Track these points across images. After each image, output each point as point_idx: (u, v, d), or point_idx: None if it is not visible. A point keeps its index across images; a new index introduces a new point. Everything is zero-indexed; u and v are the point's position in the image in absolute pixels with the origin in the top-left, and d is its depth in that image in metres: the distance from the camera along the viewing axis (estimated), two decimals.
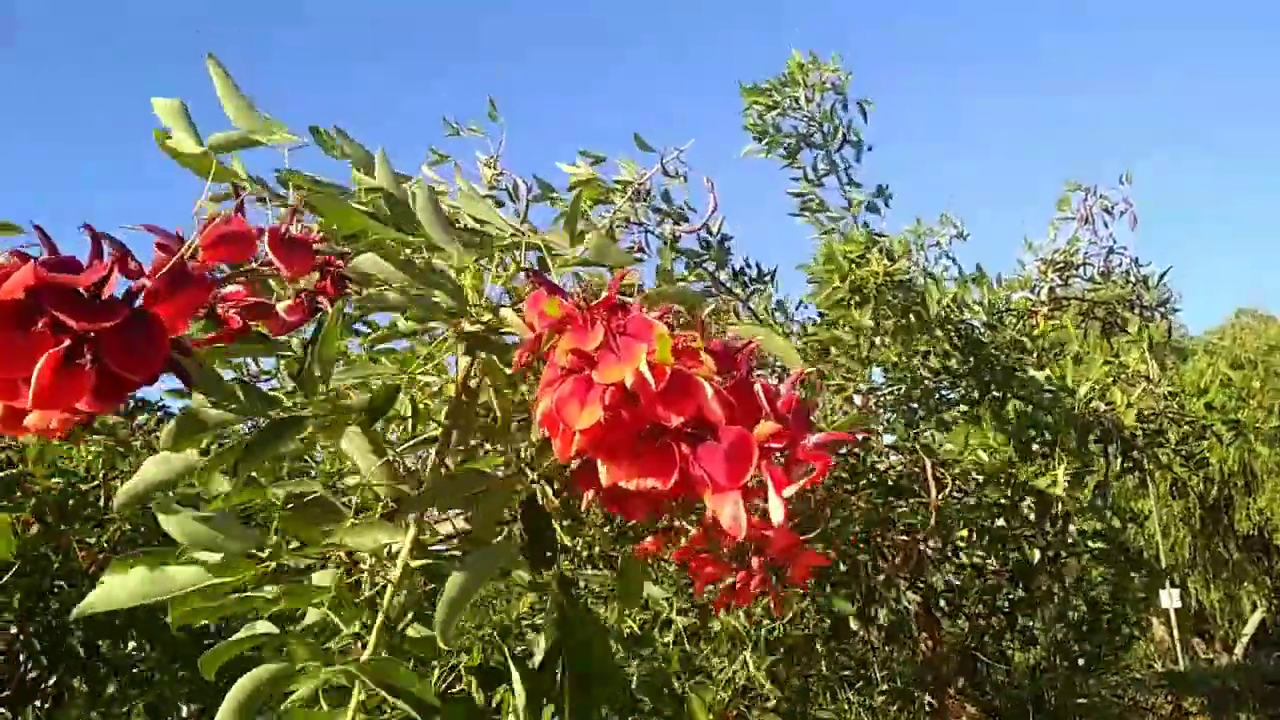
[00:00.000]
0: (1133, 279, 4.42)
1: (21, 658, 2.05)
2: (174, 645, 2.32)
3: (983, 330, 4.02)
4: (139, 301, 0.78)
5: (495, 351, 1.17)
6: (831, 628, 3.32)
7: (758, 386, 0.90)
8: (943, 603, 4.25)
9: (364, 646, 1.00)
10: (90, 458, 2.50)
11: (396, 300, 1.06)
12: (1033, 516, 3.60)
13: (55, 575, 2.33)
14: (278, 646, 1.02)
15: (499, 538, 1.18)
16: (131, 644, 2.40)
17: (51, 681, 2.28)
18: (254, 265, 0.94)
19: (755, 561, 1.08)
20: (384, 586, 1.03)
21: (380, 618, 1.00)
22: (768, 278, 3.65)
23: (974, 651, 4.33)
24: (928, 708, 4.37)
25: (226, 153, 1.08)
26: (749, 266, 3.86)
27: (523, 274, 1.18)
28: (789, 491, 0.85)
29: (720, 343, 0.98)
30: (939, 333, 3.39)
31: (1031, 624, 4.22)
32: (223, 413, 0.99)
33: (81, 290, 0.75)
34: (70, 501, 2.38)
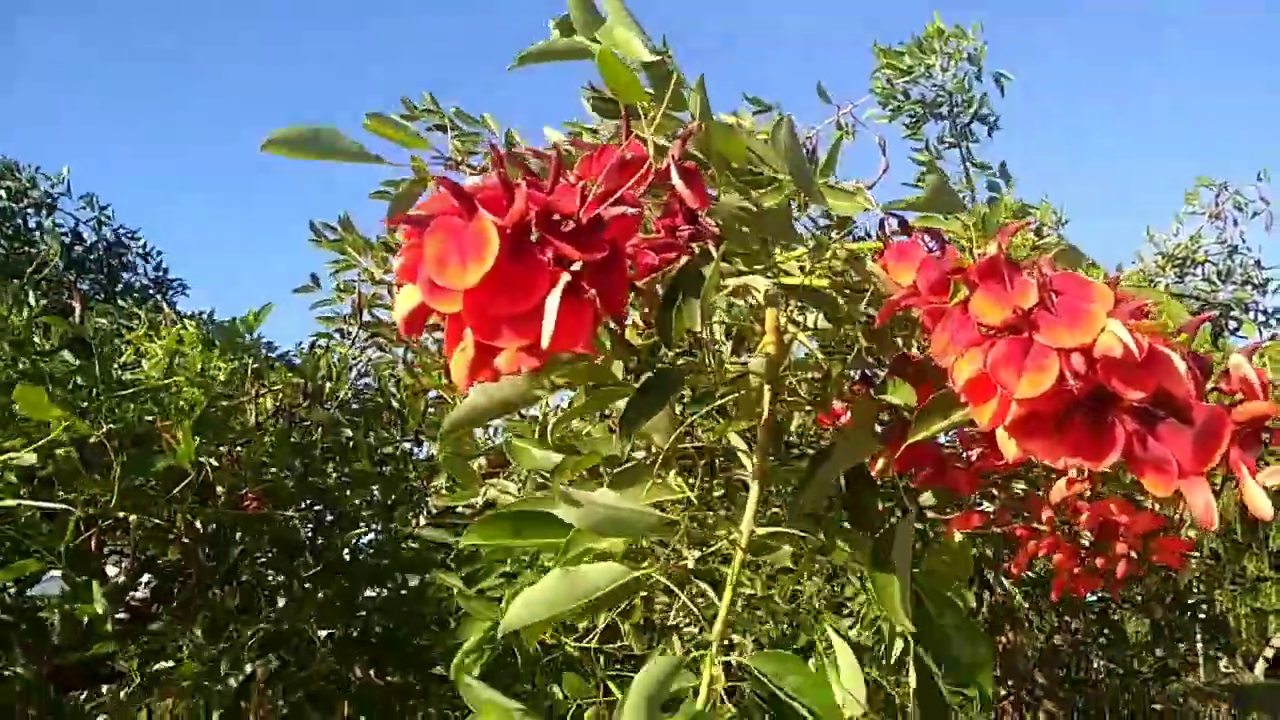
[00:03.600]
0: (1254, 281, 4.28)
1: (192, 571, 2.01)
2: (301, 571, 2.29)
3: None
4: (604, 230, 0.70)
5: (822, 305, 1.08)
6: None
7: (1237, 359, 0.80)
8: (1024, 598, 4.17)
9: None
10: (227, 370, 2.43)
11: (752, 244, 0.97)
12: None
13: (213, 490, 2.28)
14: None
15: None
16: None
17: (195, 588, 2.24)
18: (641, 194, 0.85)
19: (1121, 546, 0.99)
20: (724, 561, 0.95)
21: (728, 593, 0.92)
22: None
23: (1056, 648, 4.25)
24: (1008, 702, 4.31)
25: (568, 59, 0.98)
26: (867, 236, 3.74)
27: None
28: (1272, 481, 0.76)
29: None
30: None
31: (1121, 624, 4.14)
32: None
33: (564, 216, 0.67)
34: (213, 414, 2.32)
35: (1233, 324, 4.58)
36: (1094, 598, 4.28)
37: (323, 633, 2.32)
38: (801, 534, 0.97)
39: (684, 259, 0.94)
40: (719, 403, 1.13)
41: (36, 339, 2.31)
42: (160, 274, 5.69)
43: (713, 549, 0.96)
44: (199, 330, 2.71)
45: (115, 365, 2.37)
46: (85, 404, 1.92)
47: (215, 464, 2.44)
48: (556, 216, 0.68)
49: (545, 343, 0.63)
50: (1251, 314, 4.37)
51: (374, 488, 2.31)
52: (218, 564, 1.99)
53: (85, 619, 1.45)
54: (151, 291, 5.53)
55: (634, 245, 0.85)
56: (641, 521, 0.82)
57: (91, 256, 5.43)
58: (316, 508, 2.29)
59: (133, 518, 1.68)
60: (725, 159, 0.94)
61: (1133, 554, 1.00)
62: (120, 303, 4.65)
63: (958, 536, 1.06)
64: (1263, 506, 0.75)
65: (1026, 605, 4.12)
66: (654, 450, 1.15)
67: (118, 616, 2.11)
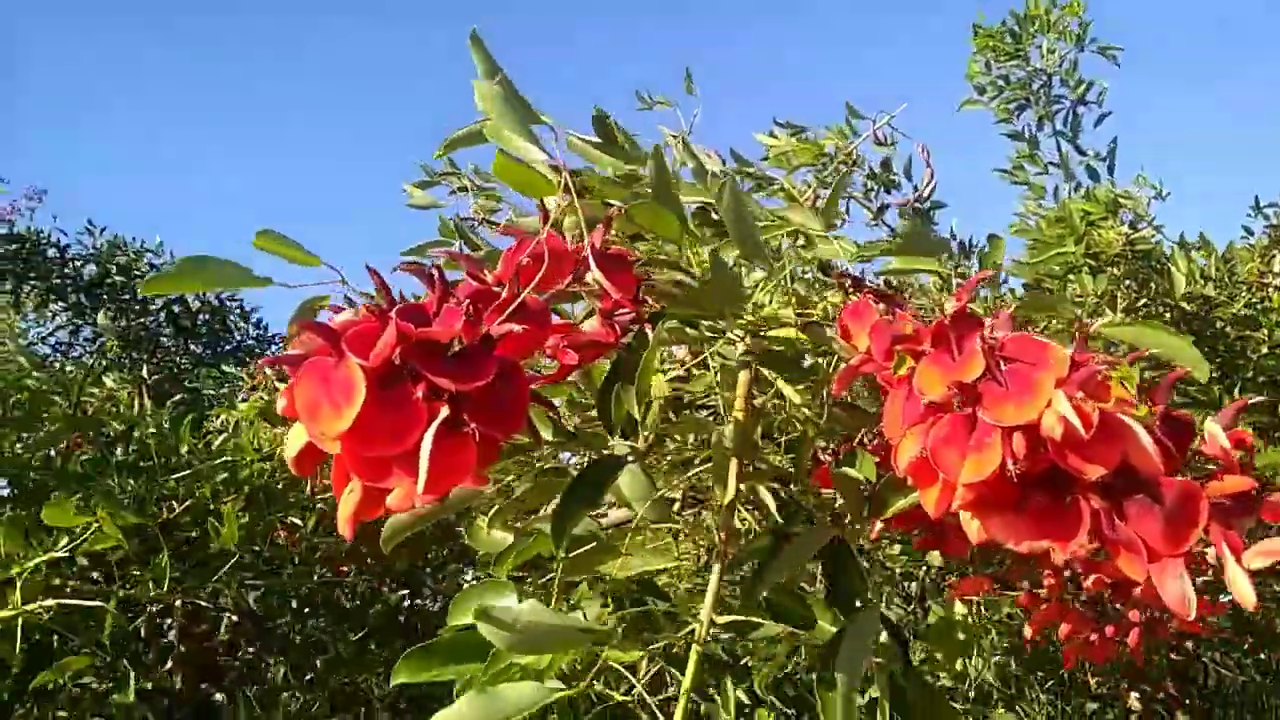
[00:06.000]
0: None
1: (241, 642, 2.09)
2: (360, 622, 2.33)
3: (1201, 304, 3.61)
4: (494, 348, 0.67)
5: (787, 369, 1.03)
6: None
7: (1212, 428, 0.71)
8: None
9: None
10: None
11: (698, 315, 0.93)
12: None
13: (263, 560, 2.36)
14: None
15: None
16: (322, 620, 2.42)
17: (250, 659, 2.32)
18: (565, 287, 0.82)
19: (1134, 614, 0.90)
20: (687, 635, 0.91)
21: (688, 682, 0.87)
22: (974, 251, 3.35)
23: (1194, 653, 3.94)
24: (1134, 715, 4.03)
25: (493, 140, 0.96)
26: (952, 238, 3.53)
27: (825, 276, 1.02)
28: (1258, 563, 0.66)
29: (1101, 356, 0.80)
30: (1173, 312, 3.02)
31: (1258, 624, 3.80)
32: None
33: (443, 344, 0.64)
34: (279, 485, 2.39)
35: None
36: (1227, 596, 3.96)
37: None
38: (766, 620, 0.91)
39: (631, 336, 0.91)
40: (695, 472, 1.09)
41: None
42: (261, 331, 5.99)
43: (677, 637, 0.92)
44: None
45: (190, 440, 2.48)
46: (153, 489, 2.01)
47: (293, 525, 2.53)
48: (439, 344, 0.66)
49: (420, 487, 0.61)
50: None
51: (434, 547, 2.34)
52: (268, 635, 2.05)
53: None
54: (257, 351, 5.83)
55: (553, 345, 0.82)
56: (566, 636, 0.78)
57: (200, 319, 5.77)
58: (377, 571, 2.34)
59: (176, 603, 1.75)
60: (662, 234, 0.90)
61: (1147, 620, 0.90)
62: (224, 366, 4.89)
63: (959, 607, 0.98)
64: (1245, 595, 0.66)
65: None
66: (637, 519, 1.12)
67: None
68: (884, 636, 0.99)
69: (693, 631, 0.88)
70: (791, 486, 1.00)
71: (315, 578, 2.33)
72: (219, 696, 2.00)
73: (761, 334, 1.06)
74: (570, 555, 0.98)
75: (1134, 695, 4.18)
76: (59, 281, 4.63)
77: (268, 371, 2.16)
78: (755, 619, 0.90)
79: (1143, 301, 2.99)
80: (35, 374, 2.35)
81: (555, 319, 0.87)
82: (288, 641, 2.12)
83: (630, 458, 0.93)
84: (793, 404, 1.07)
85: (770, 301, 1.15)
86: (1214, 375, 3.60)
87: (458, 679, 0.85)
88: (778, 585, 0.98)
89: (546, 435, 0.89)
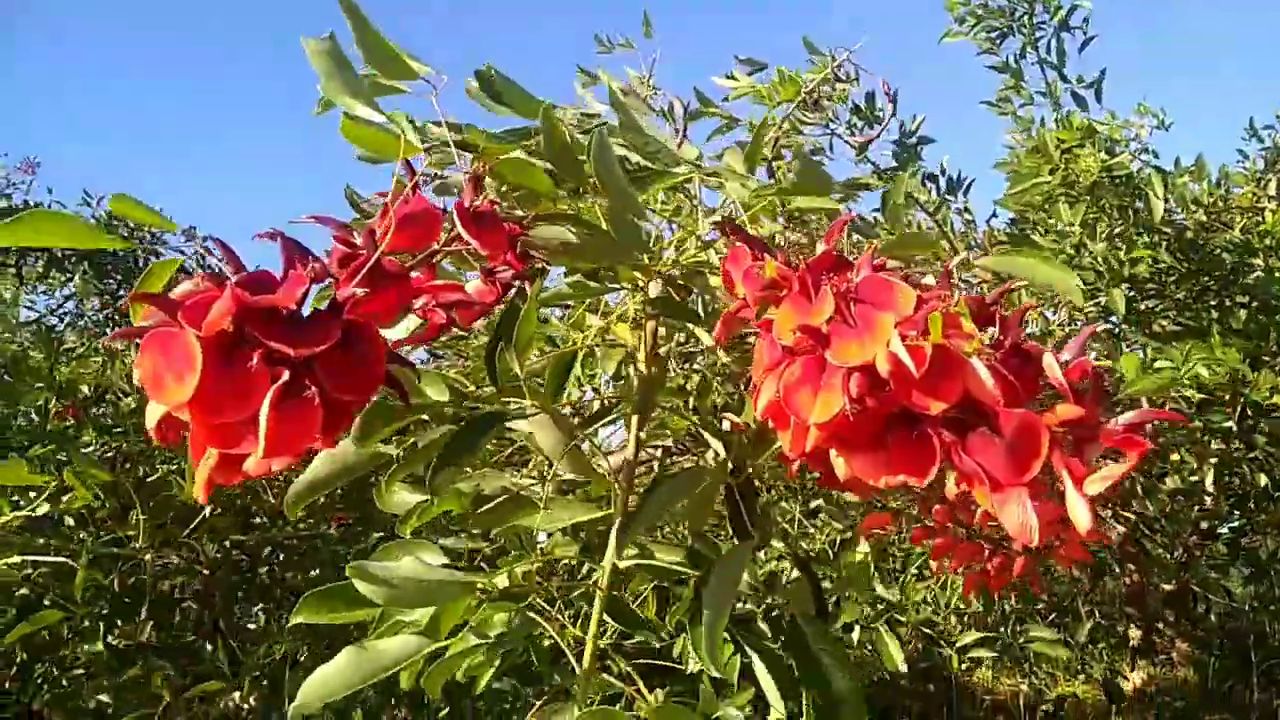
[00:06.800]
0: None
1: (216, 595, 2.16)
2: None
3: (1198, 229, 3.55)
4: (345, 311, 0.69)
5: (686, 318, 1.04)
6: None
7: (1048, 359, 0.72)
8: (1152, 531, 3.90)
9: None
10: None
11: (588, 267, 0.94)
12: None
13: (248, 513, 2.43)
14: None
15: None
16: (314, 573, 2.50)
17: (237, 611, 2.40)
18: (438, 247, 0.83)
19: (1017, 544, 0.92)
20: (590, 589, 0.94)
21: (594, 624, 0.90)
22: (961, 186, 3.30)
23: (1188, 583, 3.96)
24: (1134, 642, 4.07)
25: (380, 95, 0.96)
26: (941, 174, 3.45)
27: (713, 225, 1.03)
28: (1095, 488, 0.67)
29: (975, 296, 0.81)
30: (1153, 236, 2.98)
31: (1259, 553, 3.81)
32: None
33: (286, 310, 0.66)
34: None
35: None
36: (1227, 530, 3.96)
37: None
38: (672, 564, 0.94)
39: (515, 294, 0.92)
40: (602, 423, 1.11)
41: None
42: None
43: (579, 589, 0.95)
44: None
45: None
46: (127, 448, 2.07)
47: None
48: (280, 310, 0.67)
49: (261, 452, 0.63)
50: None
51: None
52: (247, 588, 2.12)
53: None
54: None
55: (423, 307, 0.83)
56: (446, 589, 0.81)
57: None
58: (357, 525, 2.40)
59: (147, 556, 1.81)
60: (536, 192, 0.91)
61: (1029, 550, 0.92)
62: None
63: (863, 546, 1.00)
64: (1080, 519, 0.67)
65: (1156, 541, 3.85)
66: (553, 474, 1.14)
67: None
68: (794, 574, 1.01)
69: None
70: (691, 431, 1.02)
71: (302, 527, 2.40)
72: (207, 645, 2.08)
73: (679, 282, 1.07)
74: (480, 511, 1.01)
75: (1133, 626, 4.22)
76: (60, 254, 4.67)
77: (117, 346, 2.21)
78: (665, 564, 0.92)
79: (1120, 228, 2.95)
80: (19, 341, 2.41)
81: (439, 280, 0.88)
82: (267, 590, 2.19)
83: (530, 411, 0.95)
84: (708, 350, 1.08)
85: (688, 248, 1.16)
86: (1210, 304, 3.57)
87: (355, 624, 0.88)
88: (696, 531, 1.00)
89: (439, 395, 0.91)
